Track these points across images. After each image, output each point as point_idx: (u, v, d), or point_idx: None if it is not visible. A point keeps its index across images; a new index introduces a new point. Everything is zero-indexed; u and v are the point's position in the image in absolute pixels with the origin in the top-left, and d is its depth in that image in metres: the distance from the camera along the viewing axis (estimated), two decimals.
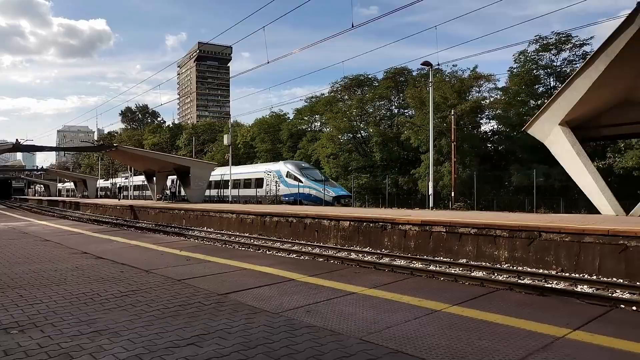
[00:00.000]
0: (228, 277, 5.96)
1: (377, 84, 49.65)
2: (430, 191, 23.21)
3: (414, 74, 45.84)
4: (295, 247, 14.99)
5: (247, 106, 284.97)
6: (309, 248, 14.89)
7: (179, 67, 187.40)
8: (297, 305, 4.44)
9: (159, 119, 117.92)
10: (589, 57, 14.65)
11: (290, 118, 62.40)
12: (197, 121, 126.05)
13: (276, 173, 35.60)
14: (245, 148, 64.53)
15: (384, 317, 4.05)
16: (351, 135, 50.07)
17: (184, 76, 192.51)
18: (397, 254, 13.27)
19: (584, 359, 3.00)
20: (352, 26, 16.82)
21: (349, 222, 15.63)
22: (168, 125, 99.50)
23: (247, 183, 39.51)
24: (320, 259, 12.73)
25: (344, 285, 5.40)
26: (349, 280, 5.69)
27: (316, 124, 59.47)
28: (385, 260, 12.43)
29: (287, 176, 34.49)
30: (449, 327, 3.72)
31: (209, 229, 21.60)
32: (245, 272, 6.29)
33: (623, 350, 3.14)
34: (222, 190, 41.98)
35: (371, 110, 49.65)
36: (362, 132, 50.25)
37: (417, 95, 39.65)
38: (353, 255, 13.27)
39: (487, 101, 41.04)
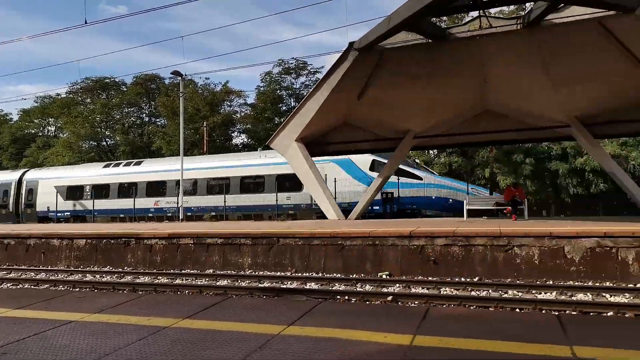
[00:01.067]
0: None
1: (125, 89, 46.30)
2: (180, 203, 22.83)
3: (167, 82, 44.65)
4: (12, 275, 12.46)
5: None
6: (32, 274, 12.59)
7: None
8: None
9: None
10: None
11: (15, 120, 52.25)
12: None
13: (339, 165, 22.05)
14: None
15: (105, 343, 3.68)
16: (94, 143, 45.21)
17: None
18: (142, 270, 12.50)
19: (292, 351, 3.34)
20: (86, 22, 15.22)
21: (85, 240, 13.91)
22: None
23: (250, 185, 23.84)
24: (45, 285, 10.89)
25: (63, 314, 4.71)
26: (70, 308, 5.00)
27: (50, 128, 51.46)
28: (128, 278, 11.52)
29: (372, 169, 21.91)
30: (175, 343, 3.63)
31: None
32: None
33: (325, 337, 3.65)
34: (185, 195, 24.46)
35: (118, 116, 45.96)
36: (107, 139, 45.95)
37: (169, 104, 38.72)
38: (89, 277, 11.84)
39: (238, 115, 43.24)
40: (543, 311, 7.02)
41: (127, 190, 26.64)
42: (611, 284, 8.69)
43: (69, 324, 4.31)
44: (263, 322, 4.18)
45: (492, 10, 24.06)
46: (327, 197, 17.34)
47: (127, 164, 28.63)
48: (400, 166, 21.10)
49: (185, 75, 25.67)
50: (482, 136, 17.89)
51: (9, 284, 11.19)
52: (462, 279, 9.70)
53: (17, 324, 4.34)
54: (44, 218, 28.76)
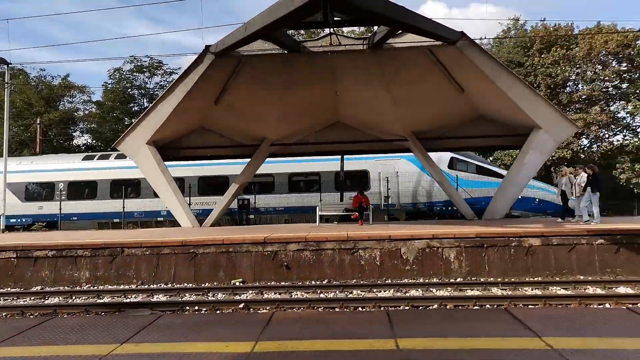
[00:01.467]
0: None
1: None
2: (1, 211, 19.62)
3: None
4: None
5: None
6: None
7: None
8: None
9: None
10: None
11: None
12: None
13: (413, 162, 20.38)
14: None
15: None
16: None
17: None
18: None
19: None
20: None
21: None
22: None
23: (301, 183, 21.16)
24: None
25: None
26: None
27: None
28: None
29: (451, 167, 20.61)
30: None
31: None
32: None
33: (161, 353, 3.44)
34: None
35: None
36: None
37: None
38: None
39: (81, 113, 38.99)
40: (382, 308, 7.66)
41: (123, 188, 21.19)
42: (437, 280, 9.88)
43: None
44: (93, 342, 3.79)
45: (345, 30, 25.84)
46: (180, 204, 16.56)
47: (120, 156, 21.72)
48: (483, 164, 21.07)
49: (11, 63, 22.19)
50: (335, 146, 18.93)
51: None
52: (313, 282, 10.09)
53: None
54: None
